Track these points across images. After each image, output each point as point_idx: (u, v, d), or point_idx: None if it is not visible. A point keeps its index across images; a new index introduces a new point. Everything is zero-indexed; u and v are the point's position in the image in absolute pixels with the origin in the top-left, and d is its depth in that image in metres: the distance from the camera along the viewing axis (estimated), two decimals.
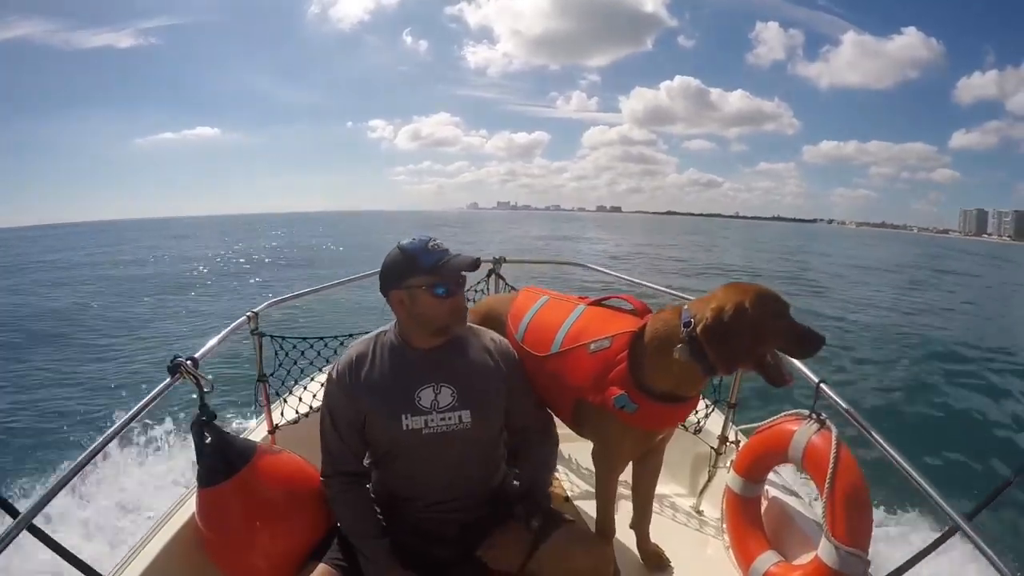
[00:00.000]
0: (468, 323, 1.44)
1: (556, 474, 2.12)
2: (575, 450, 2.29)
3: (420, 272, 1.21)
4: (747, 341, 1.25)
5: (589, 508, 2.06)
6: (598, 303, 1.61)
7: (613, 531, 1.63)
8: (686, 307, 1.35)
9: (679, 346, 1.31)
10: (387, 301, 1.27)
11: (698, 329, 1.27)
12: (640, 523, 1.75)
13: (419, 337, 1.27)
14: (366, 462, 1.37)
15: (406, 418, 1.24)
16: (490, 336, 1.40)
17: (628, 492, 2.08)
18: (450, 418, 1.26)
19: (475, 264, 1.26)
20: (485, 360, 1.34)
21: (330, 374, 1.32)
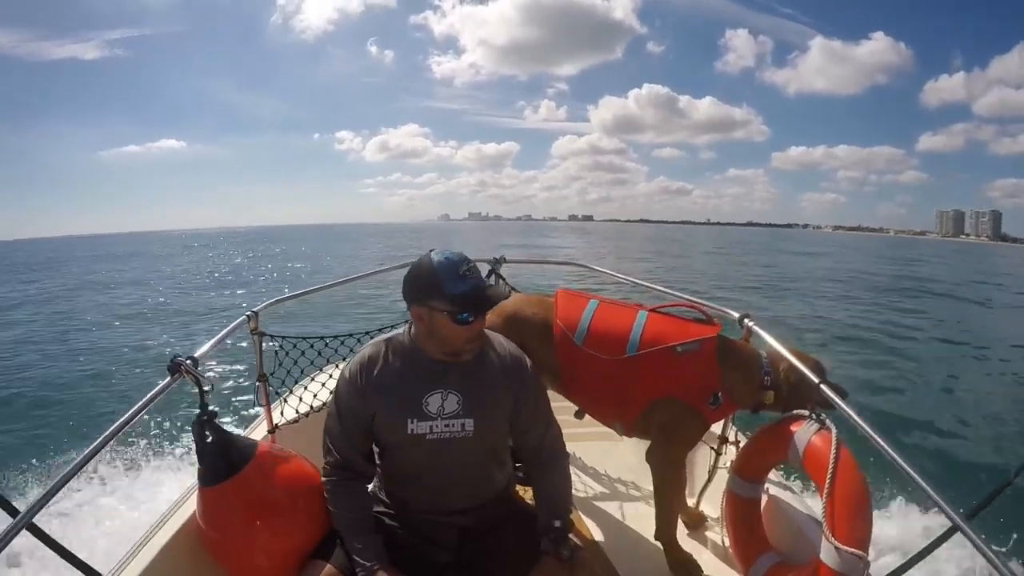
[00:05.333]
0: (487, 325, 1.44)
1: None
2: (580, 449, 2.29)
3: (445, 299, 1.16)
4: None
5: (590, 509, 2.07)
6: (655, 311, 1.71)
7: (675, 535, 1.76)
8: (764, 355, 1.62)
9: (770, 392, 1.58)
10: (407, 309, 1.25)
11: (776, 389, 1.58)
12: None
13: (433, 351, 1.26)
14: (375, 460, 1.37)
15: (412, 423, 1.25)
16: (504, 346, 1.37)
17: (634, 493, 2.09)
18: (453, 425, 1.26)
19: (498, 297, 1.23)
20: (495, 370, 1.31)
21: (342, 372, 1.32)
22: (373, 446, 1.34)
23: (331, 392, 2.07)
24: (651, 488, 1.77)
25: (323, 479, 1.32)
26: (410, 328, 1.29)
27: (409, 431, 1.25)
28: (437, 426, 1.25)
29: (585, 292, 1.81)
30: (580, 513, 1.98)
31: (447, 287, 1.16)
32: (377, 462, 1.36)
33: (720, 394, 1.58)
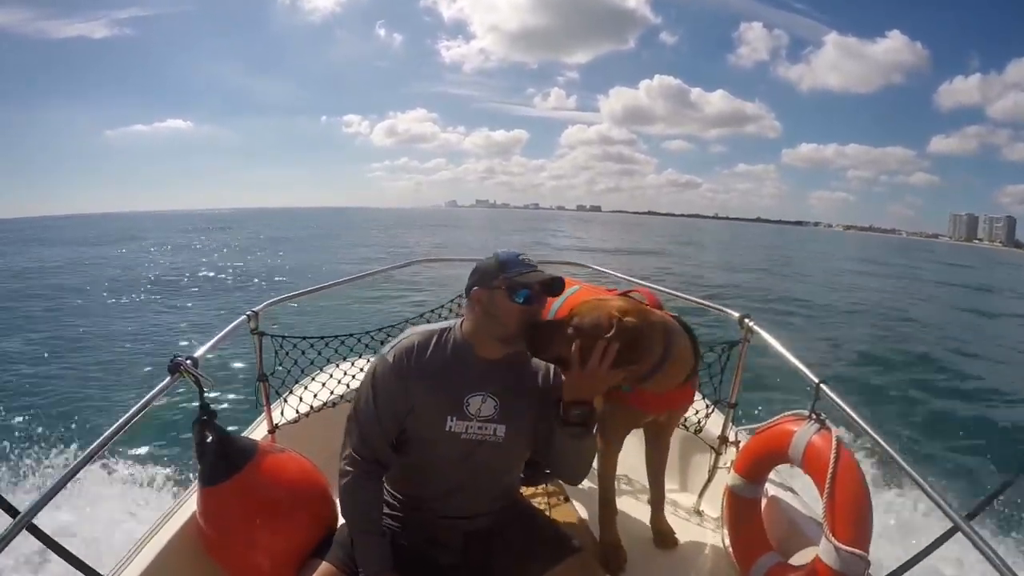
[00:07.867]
0: None
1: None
2: None
3: (507, 278, 1.24)
4: None
5: (590, 507, 2.07)
6: (624, 295, 1.67)
7: (615, 510, 1.75)
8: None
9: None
10: (466, 299, 1.29)
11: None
12: (653, 501, 1.90)
13: (484, 343, 1.27)
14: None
15: (451, 420, 1.26)
16: (541, 363, 1.37)
17: (639, 493, 2.09)
18: (486, 428, 1.28)
19: (554, 284, 1.25)
20: (533, 381, 1.34)
21: (383, 356, 1.29)
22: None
23: (331, 392, 2.08)
24: (647, 485, 1.83)
25: (342, 467, 1.27)
26: (461, 324, 1.31)
27: (447, 428, 1.26)
28: (472, 427, 1.27)
29: (581, 281, 1.87)
30: (579, 511, 1.97)
31: (509, 267, 1.25)
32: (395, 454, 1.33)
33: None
